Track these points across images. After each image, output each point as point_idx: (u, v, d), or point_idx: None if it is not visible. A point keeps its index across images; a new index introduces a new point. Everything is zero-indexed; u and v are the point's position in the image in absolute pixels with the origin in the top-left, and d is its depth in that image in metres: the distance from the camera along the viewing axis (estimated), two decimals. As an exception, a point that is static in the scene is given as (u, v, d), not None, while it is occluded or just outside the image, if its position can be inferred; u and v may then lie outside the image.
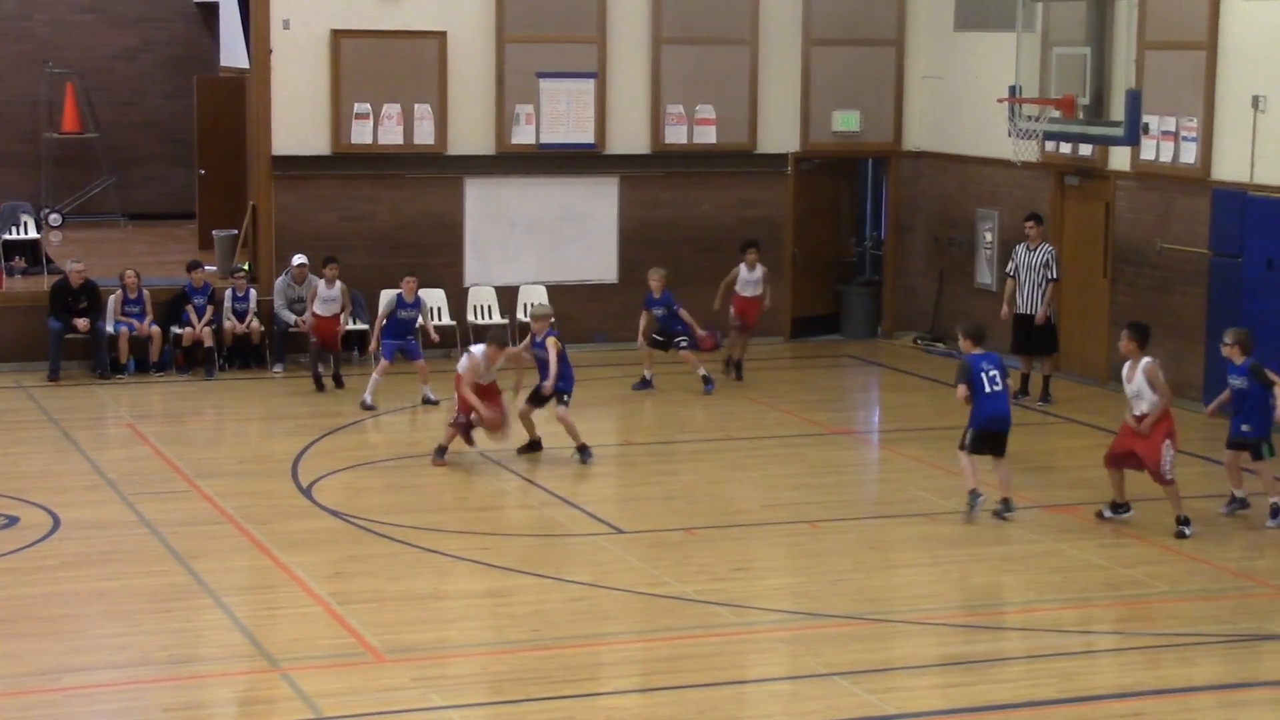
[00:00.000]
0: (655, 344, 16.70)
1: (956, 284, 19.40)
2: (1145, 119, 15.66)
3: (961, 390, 12.13)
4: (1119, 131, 14.97)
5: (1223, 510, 12.54)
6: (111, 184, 23.10)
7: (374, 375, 15.96)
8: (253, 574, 11.21)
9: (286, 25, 17.84)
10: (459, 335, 18.33)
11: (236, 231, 19.02)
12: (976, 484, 12.12)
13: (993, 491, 12.30)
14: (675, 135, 19.02)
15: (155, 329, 17.21)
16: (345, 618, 10.11)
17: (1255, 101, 15.36)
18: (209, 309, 17.44)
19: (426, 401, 16.06)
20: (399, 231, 18.32)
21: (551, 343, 13.78)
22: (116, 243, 21.37)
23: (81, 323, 16.97)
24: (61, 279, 17.35)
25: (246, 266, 18.32)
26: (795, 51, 19.31)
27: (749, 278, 17.02)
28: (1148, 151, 16.39)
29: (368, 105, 18.04)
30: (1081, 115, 15.38)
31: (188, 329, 17.31)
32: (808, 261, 19.77)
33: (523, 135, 18.54)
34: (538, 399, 13.81)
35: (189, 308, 17.38)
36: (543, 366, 13.75)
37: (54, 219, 22.15)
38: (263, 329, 17.61)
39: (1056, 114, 15.48)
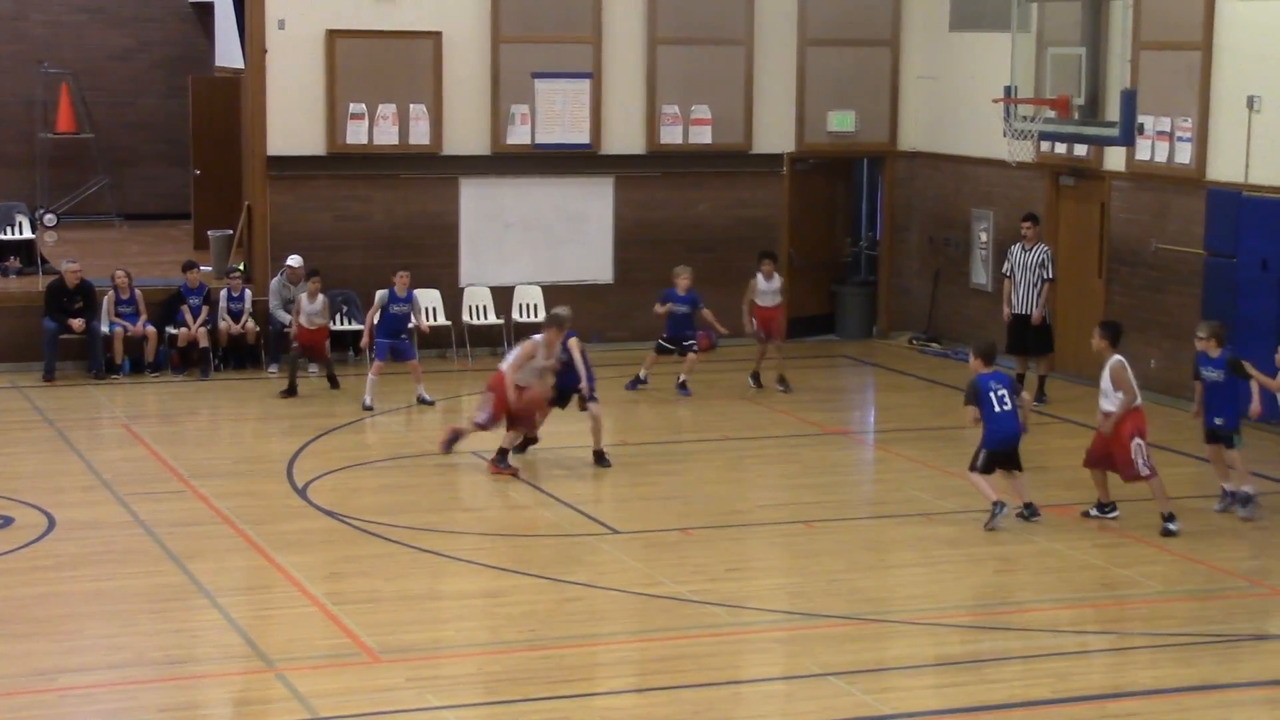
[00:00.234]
0: (663, 350, 16.57)
1: (952, 284, 19.41)
2: (1140, 119, 15.67)
3: (971, 412, 12.12)
4: (1114, 132, 14.99)
5: (1216, 508, 12.56)
6: (106, 184, 23.08)
7: (370, 376, 15.96)
8: (248, 574, 11.20)
9: (282, 25, 17.83)
10: (454, 335, 18.34)
11: (232, 232, 19.01)
12: (999, 496, 12.10)
13: (1008, 498, 12.26)
14: (671, 135, 19.02)
15: (150, 329, 17.21)
16: (341, 618, 10.11)
17: (1250, 102, 15.38)
18: (204, 309, 17.43)
19: (421, 402, 16.05)
20: (394, 232, 18.32)
21: (574, 343, 13.73)
22: (111, 243, 21.36)
23: (77, 323, 16.95)
24: (57, 279, 17.34)
25: (242, 267, 18.32)
26: (790, 52, 19.32)
27: (767, 288, 16.78)
28: (1143, 152, 16.41)
29: (363, 105, 18.04)
30: (1077, 115, 15.40)
31: (183, 329, 17.30)
32: (803, 262, 19.78)
33: (518, 135, 18.55)
34: (563, 399, 13.76)
35: (184, 308, 17.37)
36: (568, 369, 13.68)
37: (49, 219, 22.13)
38: (258, 329, 17.61)
39: (1052, 114, 15.49)
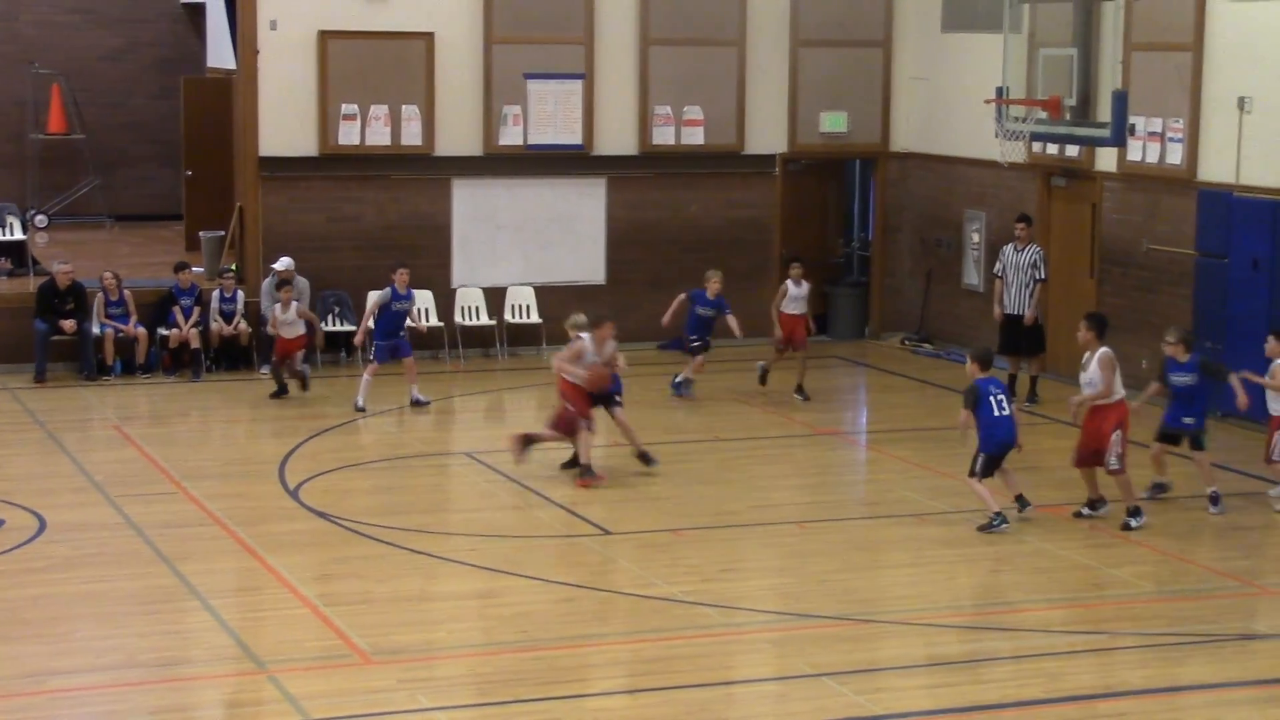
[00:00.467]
0: (696, 351, 16.23)
1: (943, 285, 19.43)
2: (1132, 120, 15.68)
3: (964, 416, 12.13)
4: (1105, 132, 15.00)
5: (1144, 494, 12.62)
6: (97, 185, 23.05)
7: (365, 377, 15.92)
8: (239, 576, 11.18)
9: (274, 26, 17.81)
10: (446, 337, 18.33)
11: (223, 233, 18.99)
12: (1000, 507, 12.10)
13: (1006, 503, 12.27)
14: (663, 136, 19.02)
15: (141, 330, 17.18)
16: (332, 619, 10.10)
17: (1241, 103, 15.40)
18: (196, 310, 17.40)
19: (415, 403, 16.02)
20: (386, 233, 18.30)
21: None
22: (103, 244, 21.33)
23: (68, 324, 16.93)
24: (48, 280, 17.31)
25: (234, 268, 18.29)
26: (783, 52, 19.32)
27: (797, 293, 16.50)
28: (1134, 152, 16.43)
29: (355, 106, 18.02)
30: (1068, 116, 15.41)
31: (174, 330, 17.28)
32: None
33: (510, 136, 18.53)
34: (600, 400, 13.62)
35: (175, 309, 17.35)
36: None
37: (40, 220, 22.10)
38: (250, 330, 17.58)
39: (1043, 115, 15.51)
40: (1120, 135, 15.01)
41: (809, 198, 20.10)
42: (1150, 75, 16.19)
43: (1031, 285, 16.52)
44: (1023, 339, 16.50)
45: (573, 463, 13.46)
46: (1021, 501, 12.29)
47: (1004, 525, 12.04)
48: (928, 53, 19.47)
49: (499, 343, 18.66)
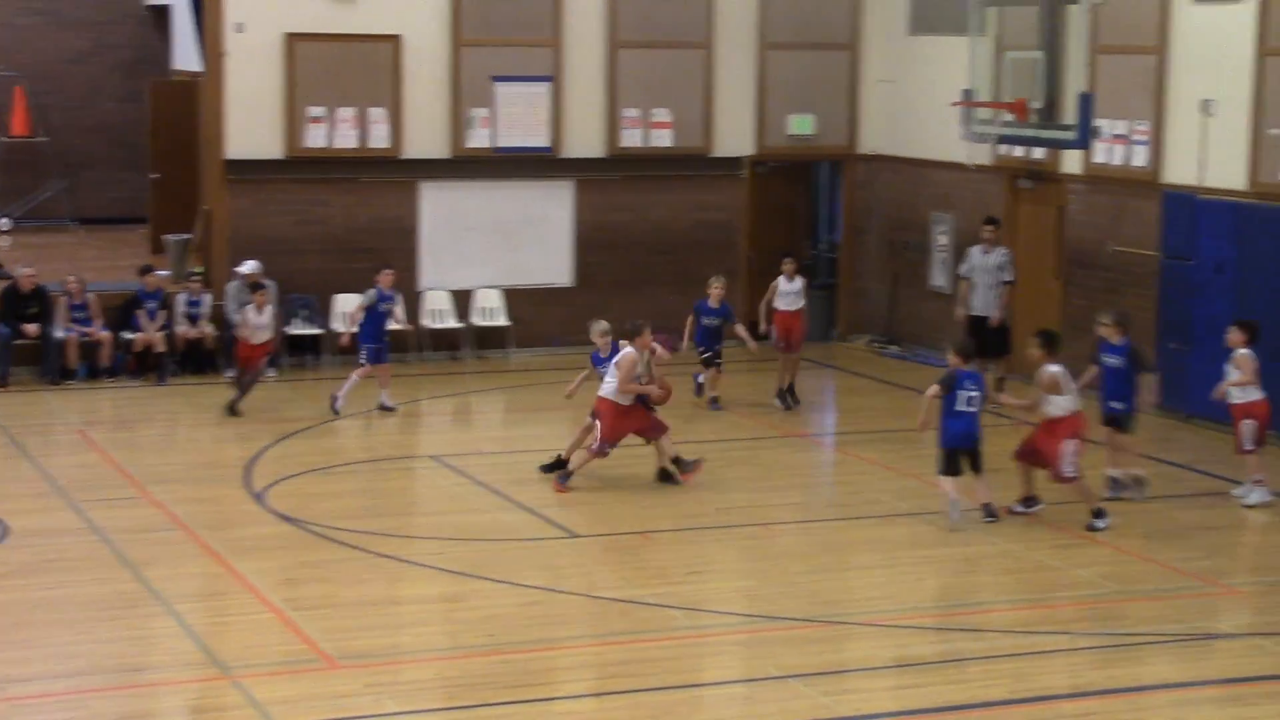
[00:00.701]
0: (710, 363, 16.05)
1: (910, 287, 19.48)
2: (1097, 122, 15.76)
3: (933, 389, 12.11)
4: (1071, 135, 15.07)
5: (1106, 495, 12.64)
6: (62, 189, 22.90)
7: (352, 377, 15.75)
8: (204, 581, 11.12)
9: (240, 28, 17.73)
10: (414, 339, 18.27)
11: (189, 236, 18.88)
12: (958, 495, 12.12)
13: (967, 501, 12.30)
14: (631, 139, 19.02)
15: (106, 334, 17.07)
16: (298, 624, 10.05)
17: (1205, 105, 15.49)
18: (161, 314, 17.30)
19: (383, 408, 15.95)
20: (353, 235, 18.24)
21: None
22: (67, 248, 21.19)
23: (31, 328, 16.81)
24: (11, 284, 17.19)
25: (200, 271, 18.20)
26: (751, 55, 19.35)
27: (789, 289, 16.29)
28: (1099, 155, 16.51)
29: (322, 109, 17.95)
30: (1034, 119, 15.47)
31: (139, 334, 17.17)
32: (763, 265, 19.78)
33: (478, 139, 18.50)
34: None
35: (140, 312, 17.24)
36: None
37: (3, 224, 21.95)
38: (216, 334, 17.49)
39: (1010, 117, 15.57)
40: (1085, 138, 15.08)
41: (777, 200, 20.12)
42: (1115, 78, 16.28)
43: (998, 287, 16.58)
44: (989, 341, 16.54)
45: (552, 466, 13.41)
46: (987, 510, 12.30)
47: (958, 509, 11.98)
48: (895, 55, 19.53)
49: (466, 345, 18.62)
